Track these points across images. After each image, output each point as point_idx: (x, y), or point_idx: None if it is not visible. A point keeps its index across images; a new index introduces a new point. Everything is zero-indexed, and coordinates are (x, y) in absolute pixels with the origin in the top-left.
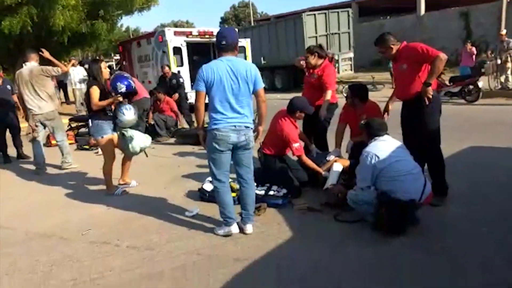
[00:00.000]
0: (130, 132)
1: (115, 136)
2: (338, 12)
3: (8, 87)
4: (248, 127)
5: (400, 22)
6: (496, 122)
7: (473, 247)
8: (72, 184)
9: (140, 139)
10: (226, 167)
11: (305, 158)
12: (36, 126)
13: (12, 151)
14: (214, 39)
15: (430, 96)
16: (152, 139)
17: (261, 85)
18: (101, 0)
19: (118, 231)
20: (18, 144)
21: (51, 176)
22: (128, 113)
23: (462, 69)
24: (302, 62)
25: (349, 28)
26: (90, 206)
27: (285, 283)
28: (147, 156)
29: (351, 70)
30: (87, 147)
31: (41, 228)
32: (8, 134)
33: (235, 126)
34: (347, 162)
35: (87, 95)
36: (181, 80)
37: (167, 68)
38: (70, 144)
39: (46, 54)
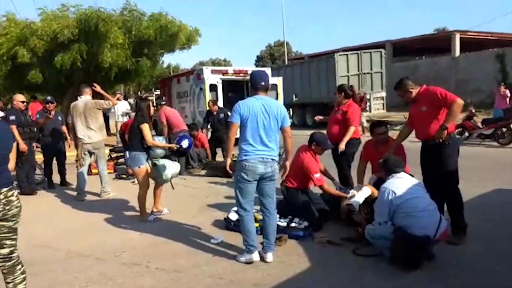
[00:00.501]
0: (162, 161)
1: (148, 166)
2: (371, 52)
3: (59, 118)
4: (274, 159)
5: (435, 63)
6: None
7: (488, 282)
8: (109, 210)
9: (171, 167)
10: (251, 197)
11: (327, 187)
12: (84, 154)
13: (55, 178)
14: (248, 77)
15: (442, 139)
16: (185, 170)
17: (288, 122)
18: (146, 39)
19: (149, 254)
20: (62, 171)
21: (91, 202)
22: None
23: (496, 112)
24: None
25: (381, 68)
26: (125, 230)
27: None
28: (173, 188)
29: (383, 109)
30: (124, 176)
31: (80, 248)
32: (54, 162)
33: (263, 158)
34: (376, 191)
35: (134, 129)
36: (229, 113)
37: (211, 103)
38: (109, 173)
39: (98, 88)
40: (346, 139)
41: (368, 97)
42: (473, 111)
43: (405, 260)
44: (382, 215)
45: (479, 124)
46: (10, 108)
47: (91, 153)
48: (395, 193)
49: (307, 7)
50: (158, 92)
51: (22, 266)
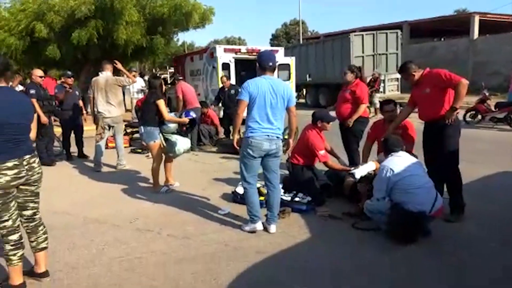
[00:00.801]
0: (174, 137)
1: (162, 140)
2: (386, 33)
3: (77, 93)
4: (279, 137)
5: (453, 45)
6: None
7: (481, 258)
8: (124, 181)
9: (183, 142)
10: (255, 172)
11: (331, 163)
12: (104, 128)
13: (73, 150)
14: None
15: (453, 120)
16: (197, 146)
17: (294, 102)
18: (161, 17)
19: (161, 222)
20: (80, 145)
21: (107, 173)
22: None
23: (510, 95)
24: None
25: (397, 49)
26: (138, 200)
27: (297, 275)
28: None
29: (398, 90)
30: (139, 150)
31: (96, 215)
32: (72, 135)
33: (268, 135)
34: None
35: (149, 105)
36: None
37: (225, 78)
38: (125, 147)
39: (119, 65)
40: (355, 116)
41: (382, 78)
42: (487, 94)
43: (401, 234)
44: (380, 191)
45: (492, 108)
46: (29, 82)
47: (110, 127)
48: (393, 171)
49: None
50: (172, 69)
51: (44, 227)
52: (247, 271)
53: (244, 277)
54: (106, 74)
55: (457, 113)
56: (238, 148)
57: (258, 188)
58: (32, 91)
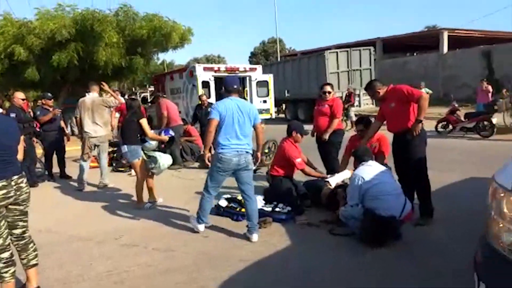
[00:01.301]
0: (156, 154)
1: (144, 157)
2: (360, 50)
3: (59, 110)
4: (248, 152)
5: (423, 60)
6: (506, 156)
7: (445, 259)
8: (107, 199)
9: (165, 158)
10: (218, 184)
11: (308, 170)
12: (90, 147)
13: (55, 171)
14: (240, 74)
15: (419, 131)
16: (182, 163)
17: (259, 120)
18: (140, 38)
19: (145, 237)
20: (62, 165)
21: (90, 192)
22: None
23: (478, 106)
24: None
25: (370, 65)
26: (122, 217)
27: (280, 281)
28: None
29: (373, 104)
30: (122, 169)
31: (81, 233)
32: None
33: (237, 151)
34: None
35: (131, 124)
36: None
37: (204, 97)
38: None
39: (106, 87)
40: (330, 130)
41: (357, 92)
42: (456, 105)
43: (373, 238)
44: (353, 198)
45: (462, 118)
46: (10, 105)
47: (95, 146)
48: (364, 179)
49: (301, 4)
50: (152, 88)
51: (34, 244)
52: (231, 279)
53: (228, 285)
54: (92, 95)
55: (422, 124)
56: (209, 164)
57: (240, 200)
58: (13, 115)
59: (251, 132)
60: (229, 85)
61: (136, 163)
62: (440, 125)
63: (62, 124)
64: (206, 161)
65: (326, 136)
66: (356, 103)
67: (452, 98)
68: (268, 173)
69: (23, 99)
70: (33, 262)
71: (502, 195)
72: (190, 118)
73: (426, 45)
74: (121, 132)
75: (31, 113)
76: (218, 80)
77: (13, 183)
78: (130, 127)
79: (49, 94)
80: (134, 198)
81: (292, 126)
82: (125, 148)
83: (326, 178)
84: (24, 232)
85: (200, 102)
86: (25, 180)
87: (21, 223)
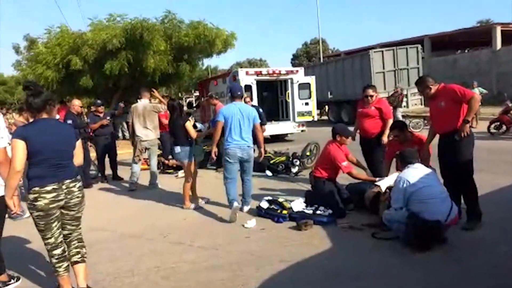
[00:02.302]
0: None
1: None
2: (406, 48)
3: (108, 118)
4: (249, 146)
5: (475, 57)
6: None
7: (493, 262)
8: (156, 199)
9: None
10: (233, 172)
11: (355, 172)
12: (141, 150)
13: (108, 173)
14: (282, 77)
15: (467, 132)
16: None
17: (258, 121)
18: (186, 46)
19: (191, 235)
20: (114, 167)
21: (140, 193)
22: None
23: None
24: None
25: (418, 63)
26: (170, 216)
27: (319, 281)
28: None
29: (421, 104)
30: (170, 171)
31: (132, 231)
32: (106, 159)
33: (240, 146)
34: None
35: (179, 127)
36: (260, 111)
37: (248, 98)
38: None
39: (156, 94)
40: (387, 131)
41: (405, 92)
42: (510, 105)
43: (418, 242)
44: (397, 201)
45: None
46: (67, 112)
47: (146, 149)
48: (409, 182)
49: (343, 3)
50: (197, 93)
51: (79, 242)
52: (272, 277)
53: (269, 283)
54: (144, 101)
55: (470, 126)
56: (215, 157)
57: (281, 202)
58: (69, 121)
59: (251, 131)
60: (234, 92)
61: (187, 163)
62: (493, 125)
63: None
64: (213, 155)
65: (385, 139)
66: (404, 103)
67: (506, 97)
68: (311, 174)
69: (81, 106)
70: (74, 259)
71: None
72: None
73: (478, 41)
74: (171, 133)
75: (85, 119)
76: (260, 83)
77: (64, 186)
78: (179, 128)
79: (99, 101)
80: (181, 198)
81: (336, 130)
82: (178, 149)
83: (375, 181)
84: (70, 234)
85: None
86: (78, 184)
87: (68, 227)
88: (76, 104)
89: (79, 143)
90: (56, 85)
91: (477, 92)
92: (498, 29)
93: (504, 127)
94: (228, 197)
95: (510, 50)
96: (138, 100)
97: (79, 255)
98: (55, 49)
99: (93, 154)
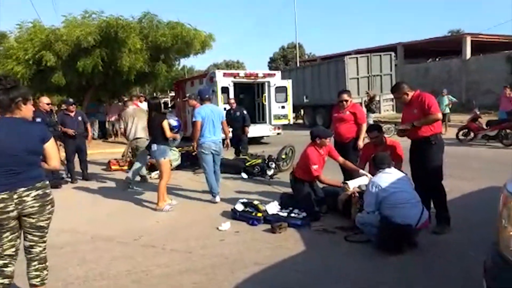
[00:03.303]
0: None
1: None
2: (380, 55)
3: (80, 118)
4: (220, 141)
5: (446, 65)
6: None
7: (458, 265)
8: (129, 201)
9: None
10: (211, 163)
11: (323, 177)
12: (130, 150)
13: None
14: (259, 80)
15: (404, 132)
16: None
17: (224, 119)
18: (163, 46)
19: (164, 238)
20: (84, 167)
21: (112, 194)
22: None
23: (501, 113)
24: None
25: (391, 70)
26: (143, 219)
27: (293, 284)
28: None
29: (393, 110)
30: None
31: (103, 233)
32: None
33: (214, 141)
34: None
35: (155, 123)
36: (245, 113)
37: (232, 100)
38: (129, 169)
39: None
40: (362, 136)
41: (377, 98)
42: (478, 112)
43: (389, 245)
44: (369, 205)
45: (484, 126)
46: (36, 110)
47: (137, 149)
48: (381, 187)
49: (321, 9)
50: (172, 93)
51: (41, 264)
52: (245, 281)
53: (243, 286)
54: (132, 106)
55: (440, 132)
56: (196, 151)
57: (256, 205)
58: (39, 119)
59: (221, 127)
60: (203, 96)
61: (163, 162)
62: (461, 132)
63: (89, 127)
64: (195, 147)
65: (360, 143)
66: (375, 110)
67: (474, 105)
68: (292, 174)
69: (48, 104)
70: (32, 281)
71: None
72: None
73: (449, 50)
74: (149, 131)
75: (55, 117)
76: (237, 85)
77: (15, 196)
78: (156, 126)
79: (71, 100)
80: (154, 200)
81: (315, 133)
82: (154, 147)
83: (341, 185)
84: (31, 246)
85: (229, 107)
86: (34, 193)
87: (29, 237)
88: (44, 101)
89: (50, 144)
90: (26, 81)
91: (446, 100)
92: (468, 39)
93: (472, 134)
94: (211, 189)
95: (479, 60)
96: (129, 106)
97: (39, 279)
98: (26, 44)
99: (62, 154)
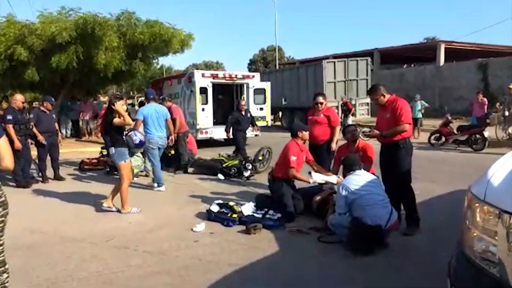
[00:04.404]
0: (140, 155)
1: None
2: (357, 60)
3: (53, 116)
4: (165, 136)
5: (420, 71)
6: None
7: (430, 266)
8: (101, 201)
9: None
10: (157, 157)
11: (296, 173)
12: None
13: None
14: (238, 81)
15: (374, 137)
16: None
17: (168, 116)
18: (141, 44)
19: (137, 239)
20: (56, 166)
21: (82, 194)
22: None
23: (473, 119)
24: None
25: (367, 75)
26: (115, 219)
27: (266, 285)
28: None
29: (368, 114)
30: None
31: (73, 234)
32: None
33: (160, 137)
34: None
35: (112, 126)
36: (249, 115)
37: (243, 102)
38: (100, 169)
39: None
40: (335, 139)
41: (353, 102)
42: (450, 118)
43: (359, 246)
44: (340, 207)
45: (455, 131)
46: (8, 107)
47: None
48: (350, 189)
49: (301, 13)
50: None
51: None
52: (219, 282)
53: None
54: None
55: (413, 136)
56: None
57: (232, 206)
58: (9, 117)
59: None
60: (148, 96)
61: (122, 165)
62: (433, 137)
63: (57, 126)
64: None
65: (334, 146)
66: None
67: (446, 110)
68: (271, 173)
69: (22, 102)
70: None
71: (476, 205)
72: (229, 124)
73: (424, 57)
74: (105, 133)
75: (28, 115)
76: (216, 86)
77: None
78: (109, 126)
79: (52, 99)
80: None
81: (295, 127)
82: (112, 150)
83: (309, 182)
84: None
85: (239, 108)
86: None
87: None
88: (18, 99)
89: (2, 143)
90: None
91: (418, 105)
92: (442, 46)
93: (443, 139)
94: (158, 180)
95: (452, 67)
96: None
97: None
98: None
99: (34, 152)
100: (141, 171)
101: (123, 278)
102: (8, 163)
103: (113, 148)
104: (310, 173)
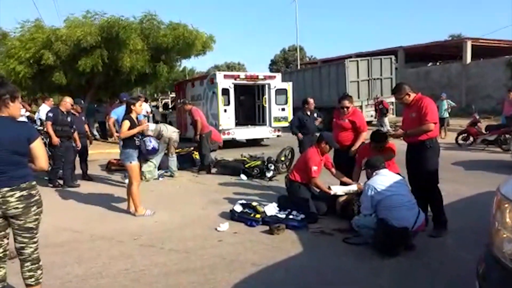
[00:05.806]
0: (154, 161)
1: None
2: (381, 58)
3: (83, 118)
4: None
5: (446, 69)
6: None
7: (454, 268)
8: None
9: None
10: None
11: (318, 181)
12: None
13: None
14: (259, 82)
15: (398, 137)
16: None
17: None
18: (164, 46)
19: (163, 238)
20: (84, 167)
21: (111, 194)
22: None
23: (502, 118)
24: None
25: (391, 74)
26: (141, 217)
27: (289, 285)
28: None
29: (393, 114)
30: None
31: (102, 232)
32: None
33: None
34: None
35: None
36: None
37: (312, 101)
38: (115, 169)
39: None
40: (357, 144)
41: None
42: (477, 117)
43: (385, 247)
44: (366, 208)
45: (483, 130)
46: (54, 106)
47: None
48: (376, 190)
49: (322, 12)
50: (173, 94)
51: (34, 264)
52: (243, 281)
53: (240, 287)
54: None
55: (440, 136)
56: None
57: (255, 206)
58: (50, 114)
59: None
60: (121, 98)
61: (129, 166)
62: (460, 137)
63: (86, 127)
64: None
65: (353, 149)
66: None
67: (474, 110)
68: (287, 177)
69: (72, 104)
70: (27, 282)
71: (505, 205)
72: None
73: (450, 55)
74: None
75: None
76: (237, 87)
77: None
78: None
79: (82, 102)
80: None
81: (324, 137)
82: (121, 150)
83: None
84: (22, 248)
85: (305, 108)
86: (19, 194)
87: (19, 238)
88: (68, 101)
89: (37, 144)
90: (28, 80)
91: (445, 104)
92: (469, 44)
93: (471, 139)
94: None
95: (478, 64)
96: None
97: (33, 279)
98: (28, 43)
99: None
100: (166, 171)
101: (150, 276)
102: (42, 164)
103: (122, 148)
104: (329, 187)
